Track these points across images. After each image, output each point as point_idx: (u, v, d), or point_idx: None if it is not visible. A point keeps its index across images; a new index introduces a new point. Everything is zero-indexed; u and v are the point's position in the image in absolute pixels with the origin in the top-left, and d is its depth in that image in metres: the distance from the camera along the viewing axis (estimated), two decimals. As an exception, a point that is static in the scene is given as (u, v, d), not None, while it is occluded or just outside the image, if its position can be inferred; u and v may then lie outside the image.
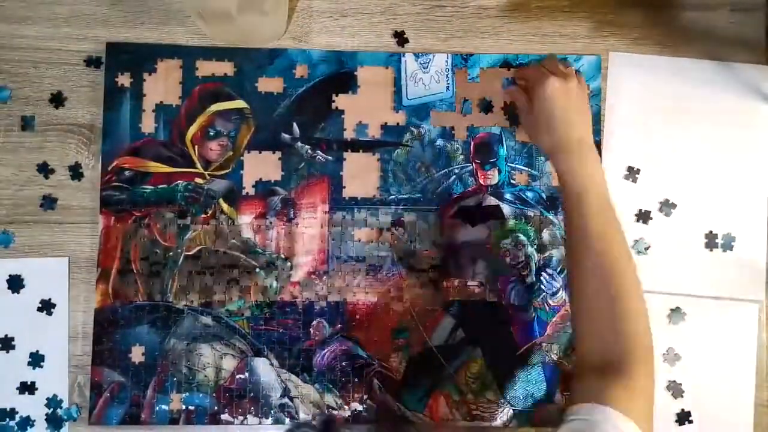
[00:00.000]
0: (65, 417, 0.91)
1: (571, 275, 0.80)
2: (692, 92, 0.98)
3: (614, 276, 0.75)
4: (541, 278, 0.95)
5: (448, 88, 0.97)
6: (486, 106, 0.97)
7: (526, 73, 0.92)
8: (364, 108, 0.97)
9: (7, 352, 0.92)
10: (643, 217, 0.96)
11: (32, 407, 0.91)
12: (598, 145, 0.96)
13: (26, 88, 0.95)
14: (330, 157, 0.96)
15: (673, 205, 0.96)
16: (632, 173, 0.97)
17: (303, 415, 0.92)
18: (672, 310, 0.95)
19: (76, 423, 0.91)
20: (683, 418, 0.94)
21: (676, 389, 0.94)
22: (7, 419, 0.91)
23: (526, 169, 0.96)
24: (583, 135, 0.85)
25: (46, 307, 0.92)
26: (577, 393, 0.74)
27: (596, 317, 0.76)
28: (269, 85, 0.96)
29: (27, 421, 0.91)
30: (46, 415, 0.91)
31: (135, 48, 0.96)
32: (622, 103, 0.97)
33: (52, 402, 0.91)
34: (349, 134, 0.96)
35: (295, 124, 0.96)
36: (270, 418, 0.91)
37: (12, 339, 0.92)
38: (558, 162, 0.83)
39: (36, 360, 0.92)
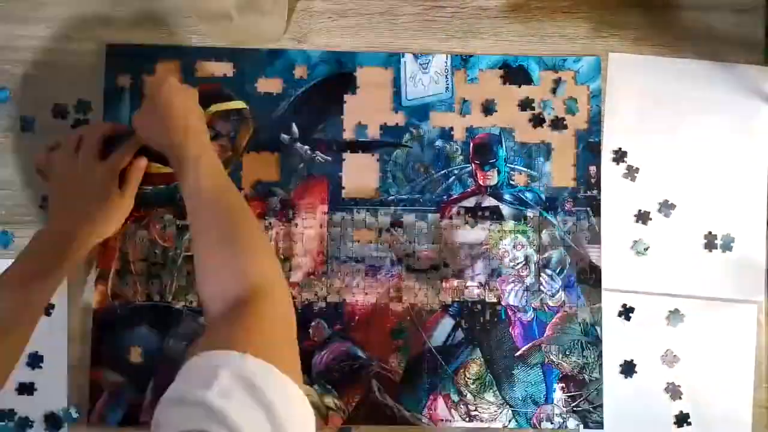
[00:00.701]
0: (64, 418, 0.91)
1: (192, 232, 0.82)
2: (692, 93, 0.98)
3: (231, 222, 0.78)
4: (541, 279, 0.95)
5: (447, 88, 0.97)
6: (488, 109, 0.96)
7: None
8: (364, 109, 0.97)
9: (6, 352, 0.92)
10: (643, 217, 0.96)
11: (31, 408, 0.91)
12: (598, 145, 0.96)
13: (26, 89, 0.95)
14: (329, 158, 0.96)
15: (673, 206, 0.96)
16: (631, 173, 0.97)
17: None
18: (671, 311, 0.95)
19: (75, 424, 0.91)
20: (682, 420, 0.94)
21: (674, 391, 0.94)
22: (6, 420, 0.91)
23: (526, 169, 0.96)
24: (198, 125, 0.87)
25: (45, 308, 0.92)
26: (201, 346, 0.68)
27: (216, 264, 0.76)
28: (269, 85, 0.96)
29: (26, 422, 0.91)
30: (45, 416, 0.91)
31: (135, 49, 0.96)
32: (622, 104, 0.97)
33: (51, 403, 0.91)
34: (348, 135, 0.96)
35: (294, 125, 0.96)
36: (269, 419, 0.91)
37: (11, 340, 0.92)
38: (173, 140, 0.83)
39: (35, 361, 0.92)
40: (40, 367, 0.92)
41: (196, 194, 0.80)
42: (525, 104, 0.97)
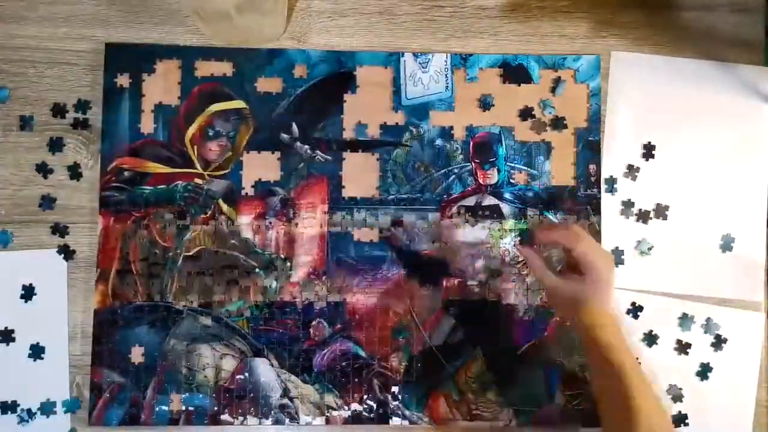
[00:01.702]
0: (65, 409, 0.91)
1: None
2: (692, 93, 0.98)
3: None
4: (541, 278, 0.94)
5: (447, 87, 0.97)
6: (485, 104, 0.97)
7: (556, 236, 0.83)
8: (364, 108, 0.97)
9: (7, 344, 0.92)
10: (643, 216, 0.96)
11: (33, 399, 0.91)
12: (598, 143, 0.96)
13: (25, 88, 0.95)
14: (329, 157, 0.96)
15: (672, 206, 0.96)
16: (632, 172, 0.97)
17: (303, 416, 0.91)
18: (682, 316, 0.95)
19: (77, 417, 0.91)
20: (679, 420, 0.94)
21: (675, 393, 0.94)
22: (9, 411, 0.91)
23: (526, 168, 0.96)
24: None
25: (46, 299, 0.92)
26: None
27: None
28: (268, 85, 0.96)
29: (28, 413, 0.91)
30: (47, 407, 0.91)
31: (134, 48, 0.96)
32: (623, 103, 0.98)
33: (53, 395, 0.91)
34: (348, 134, 0.96)
35: (294, 124, 0.96)
36: (270, 419, 0.91)
37: (12, 331, 0.92)
38: (605, 334, 0.79)
39: (36, 352, 0.91)
40: (42, 358, 0.92)
41: (627, 406, 0.76)
42: (525, 113, 0.97)
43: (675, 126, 0.98)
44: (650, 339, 0.95)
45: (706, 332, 0.95)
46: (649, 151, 0.97)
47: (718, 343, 0.95)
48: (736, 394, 0.95)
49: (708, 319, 0.95)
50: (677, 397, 0.94)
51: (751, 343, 0.95)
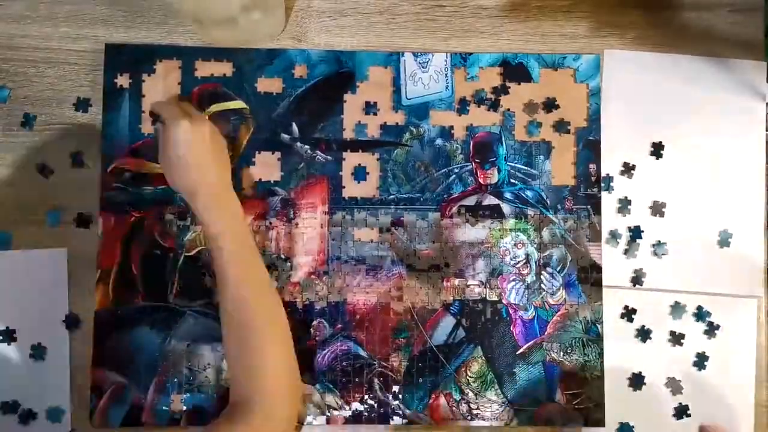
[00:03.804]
0: (66, 409, 0.91)
1: (220, 319, 0.84)
2: (688, 89, 0.98)
3: (249, 319, 0.81)
4: (541, 277, 0.95)
5: (447, 87, 0.97)
6: (480, 100, 0.97)
7: (160, 109, 0.86)
8: (364, 108, 0.97)
9: (8, 344, 0.92)
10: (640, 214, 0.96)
11: (35, 400, 0.91)
12: (598, 143, 0.97)
13: (25, 88, 0.95)
14: (329, 157, 0.96)
15: (670, 203, 0.96)
16: (628, 170, 0.97)
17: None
18: (673, 305, 0.95)
19: (76, 417, 0.91)
20: (681, 411, 0.94)
21: (675, 386, 0.94)
22: (10, 412, 0.91)
23: (526, 168, 0.96)
24: (216, 180, 0.84)
25: (47, 297, 0.92)
26: None
27: (234, 358, 0.82)
28: (268, 85, 0.96)
29: (29, 414, 0.91)
30: (48, 407, 0.91)
31: (134, 49, 0.96)
32: (618, 100, 0.97)
33: (55, 396, 0.91)
34: (348, 134, 0.96)
35: (294, 125, 0.96)
36: (271, 419, 0.91)
37: (13, 331, 0.92)
38: (195, 206, 0.83)
39: (38, 353, 0.91)
40: (43, 359, 0.92)
41: (220, 280, 0.82)
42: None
43: (671, 123, 0.98)
44: (644, 334, 0.95)
45: (697, 320, 0.95)
46: (644, 148, 0.97)
47: (711, 330, 0.95)
48: (735, 379, 0.95)
49: (699, 307, 0.95)
50: (677, 389, 0.94)
51: (744, 326, 0.96)
